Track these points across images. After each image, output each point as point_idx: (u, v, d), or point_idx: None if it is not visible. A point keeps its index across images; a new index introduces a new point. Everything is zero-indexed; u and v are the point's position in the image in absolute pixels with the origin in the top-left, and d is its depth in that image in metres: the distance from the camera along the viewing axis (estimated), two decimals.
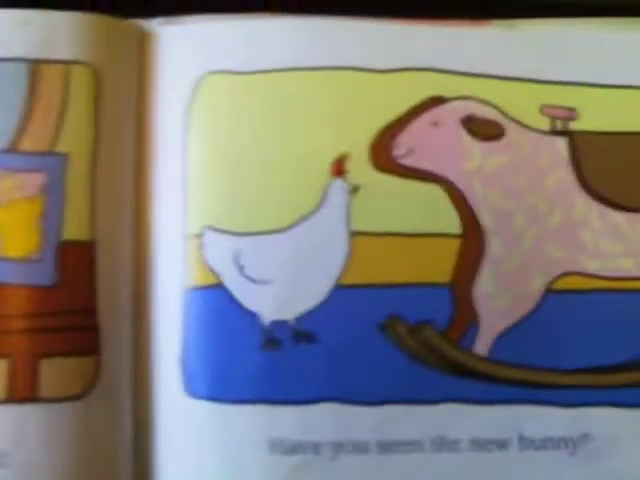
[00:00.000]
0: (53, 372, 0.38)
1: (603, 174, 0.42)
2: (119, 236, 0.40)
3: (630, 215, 0.42)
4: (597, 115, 0.42)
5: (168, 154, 0.41)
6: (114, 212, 0.40)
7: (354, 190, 0.41)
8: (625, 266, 0.42)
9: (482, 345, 0.41)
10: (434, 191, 0.41)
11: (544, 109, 0.42)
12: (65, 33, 0.40)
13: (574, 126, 0.42)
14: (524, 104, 0.42)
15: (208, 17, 0.42)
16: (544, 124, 0.42)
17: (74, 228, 0.39)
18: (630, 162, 0.42)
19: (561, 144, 0.42)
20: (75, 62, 0.40)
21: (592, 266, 0.42)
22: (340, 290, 0.40)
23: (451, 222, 0.41)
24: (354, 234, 0.41)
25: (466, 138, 0.42)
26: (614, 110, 0.42)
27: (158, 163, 0.41)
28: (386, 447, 0.40)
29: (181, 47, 0.42)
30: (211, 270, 0.40)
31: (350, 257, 0.41)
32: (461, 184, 0.41)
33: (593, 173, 0.42)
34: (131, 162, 0.41)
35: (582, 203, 0.42)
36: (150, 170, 0.41)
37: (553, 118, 0.42)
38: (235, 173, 0.41)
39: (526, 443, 0.41)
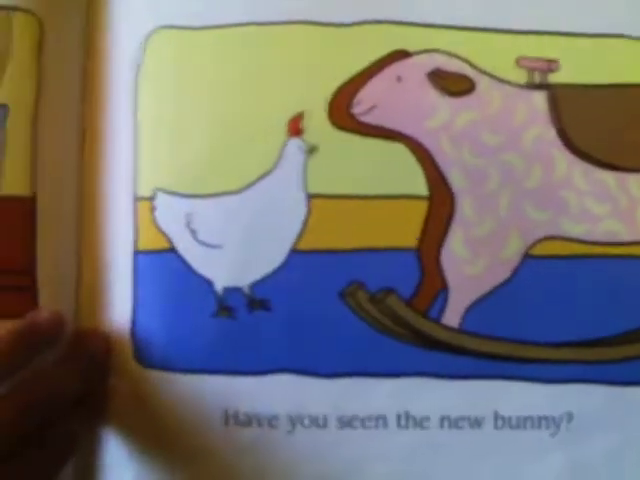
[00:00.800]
0: None
1: (586, 130, 0.39)
2: (62, 194, 0.39)
3: (617, 174, 0.39)
4: (578, 66, 0.39)
5: (116, 111, 0.39)
6: (57, 169, 0.39)
7: (311, 150, 0.38)
8: (612, 229, 0.38)
9: (452, 315, 0.38)
10: (398, 150, 0.39)
11: (520, 61, 0.39)
12: None
13: (553, 79, 0.39)
14: (498, 56, 0.40)
15: None
16: (520, 77, 0.39)
17: (12, 183, 0.37)
18: (616, 117, 0.39)
19: (539, 98, 0.39)
20: (17, 9, 0.38)
21: (576, 230, 0.38)
22: (297, 255, 0.38)
23: (417, 183, 0.39)
24: (312, 196, 0.38)
25: (432, 93, 0.39)
26: (595, 61, 0.39)
27: (106, 120, 0.40)
28: (346, 422, 0.38)
29: (131, 1, 0.40)
30: (163, 234, 0.39)
31: (308, 221, 0.38)
32: (427, 142, 0.39)
33: (575, 129, 0.39)
34: (77, 117, 0.39)
35: (564, 161, 0.39)
36: (98, 128, 0.40)
37: (530, 70, 0.39)
38: (187, 133, 0.39)
39: (502, 422, 0.38)
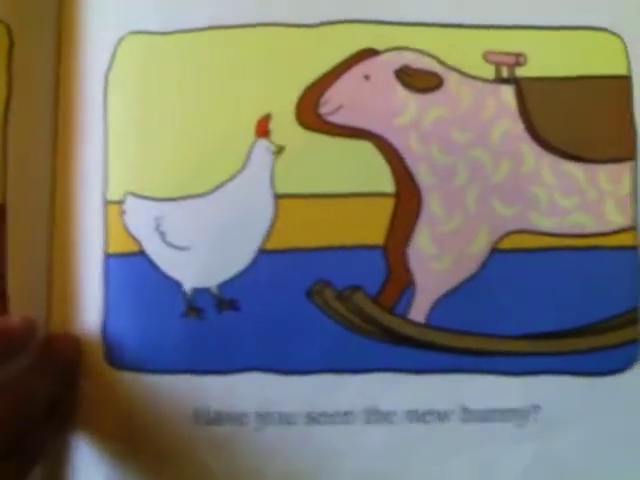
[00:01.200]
0: None
1: (555, 123, 0.39)
2: (34, 200, 0.39)
3: (585, 166, 0.39)
4: (545, 60, 0.39)
5: (87, 116, 0.40)
6: (28, 175, 0.39)
7: (279, 150, 0.39)
8: (580, 221, 0.39)
9: (418, 311, 0.39)
10: (366, 149, 0.39)
11: (487, 56, 0.39)
12: None
13: (521, 72, 0.39)
14: (465, 52, 0.39)
15: None
16: (488, 72, 0.39)
17: None
18: (584, 109, 0.39)
19: (507, 92, 0.39)
20: None
21: (544, 223, 0.39)
22: (265, 255, 0.38)
23: (384, 181, 0.39)
24: (279, 196, 0.39)
25: (400, 91, 0.39)
26: (562, 53, 0.39)
27: (77, 125, 0.40)
28: (315, 418, 0.38)
29: (102, 6, 0.40)
30: (132, 237, 0.39)
31: (275, 221, 0.39)
32: (395, 140, 0.39)
33: (544, 122, 0.39)
34: (49, 124, 0.40)
35: (532, 155, 0.39)
36: (69, 134, 0.40)
37: (498, 65, 0.39)
38: (155, 137, 0.39)
39: (470, 415, 0.38)
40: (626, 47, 0.39)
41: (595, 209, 0.39)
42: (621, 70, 0.39)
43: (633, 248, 0.39)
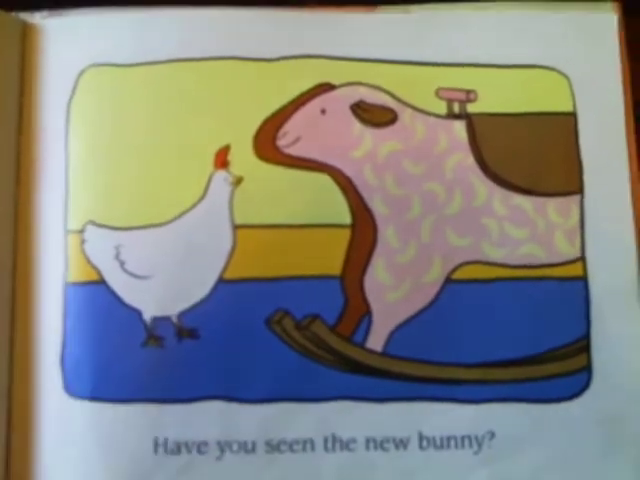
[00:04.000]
0: None
1: (504, 157, 0.41)
2: None
3: (534, 199, 0.40)
4: (495, 96, 0.41)
5: (50, 147, 0.40)
6: None
7: (237, 181, 0.39)
8: (531, 252, 0.40)
9: (375, 340, 0.39)
10: (322, 180, 0.40)
11: (440, 92, 0.41)
12: None
13: (472, 108, 0.41)
14: (419, 88, 0.41)
15: (92, 10, 0.41)
16: (441, 108, 0.41)
17: None
18: (532, 144, 0.41)
19: (459, 127, 0.41)
20: None
21: (496, 254, 0.40)
22: (224, 285, 0.39)
23: (341, 212, 0.40)
24: (238, 227, 0.39)
25: (356, 125, 0.40)
26: (511, 90, 0.41)
27: (40, 156, 0.40)
28: (274, 446, 0.39)
29: (64, 39, 0.41)
30: (92, 266, 0.39)
31: (234, 251, 0.39)
32: (350, 172, 0.40)
33: (494, 156, 0.40)
34: (12, 154, 0.40)
35: (484, 187, 0.40)
36: (32, 163, 0.40)
37: (449, 101, 0.41)
38: (116, 167, 0.40)
39: (427, 442, 0.39)
40: (571, 85, 0.41)
41: (545, 240, 0.40)
42: (567, 107, 0.41)
43: (582, 278, 0.40)
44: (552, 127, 0.41)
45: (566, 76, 0.41)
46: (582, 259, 0.40)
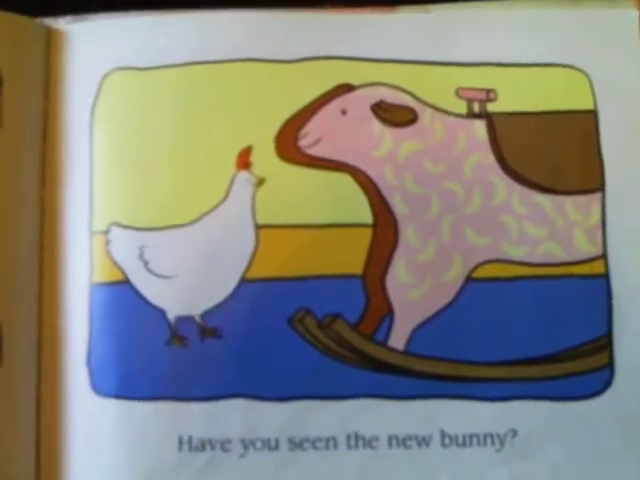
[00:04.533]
0: None
1: (524, 156, 0.41)
2: (23, 232, 0.40)
3: (553, 197, 0.40)
4: (515, 95, 0.41)
5: (75, 151, 0.41)
6: (18, 208, 0.40)
7: (259, 182, 0.40)
8: (551, 251, 0.40)
9: (397, 338, 0.40)
10: (344, 180, 0.40)
11: (460, 92, 0.41)
12: None
13: (492, 108, 0.41)
14: (439, 88, 0.41)
15: (114, 14, 0.42)
16: (461, 107, 0.41)
17: None
18: (551, 142, 0.41)
19: (479, 127, 0.41)
20: None
21: (515, 252, 0.40)
22: (247, 284, 0.39)
23: (362, 211, 0.40)
24: (260, 227, 0.40)
25: (376, 125, 0.41)
26: (531, 89, 0.41)
27: (65, 160, 0.41)
28: (297, 444, 0.39)
29: (87, 44, 0.42)
30: (117, 266, 0.40)
31: (256, 250, 0.40)
32: (372, 172, 0.40)
33: (514, 155, 0.41)
34: (37, 158, 0.41)
35: (503, 186, 0.40)
36: (57, 167, 0.41)
37: (470, 100, 0.41)
38: (140, 169, 0.40)
39: (449, 439, 0.39)
40: (592, 82, 0.41)
41: (565, 239, 0.40)
42: (587, 105, 0.41)
43: (603, 276, 0.40)
44: (572, 125, 0.41)
45: (586, 74, 0.41)
46: (604, 257, 0.40)
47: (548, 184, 0.40)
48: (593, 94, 0.41)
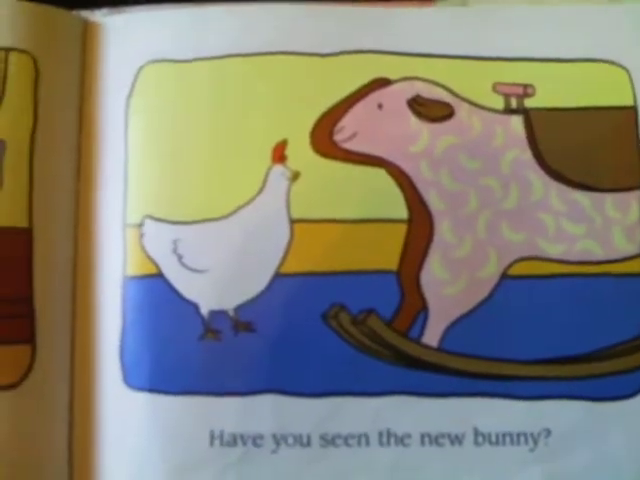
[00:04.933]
0: None
1: (562, 152, 0.40)
2: (58, 224, 0.40)
3: (592, 194, 0.40)
4: (553, 91, 0.41)
5: (110, 143, 0.41)
6: (53, 200, 0.40)
7: (295, 176, 0.40)
8: (588, 249, 0.40)
9: (432, 335, 0.39)
10: (379, 175, 0.40)
11: (497, 87, 0.40)
12: (5, 21, 0.40)
13: (529, 103, 0.40)
14: (476, 83, 0.41)
15: (151, 7, 0.42)
16: (498, 102, 0.41)
17: (10, 215, 0.39)
18: (590, 139, 0.40)
19: (516, 122, 0.40)
20: (14, 49, 0.40)
21: (552, 250, 0.40)
22: (281, 279, 0.39)
23: (397, 207, 0.40)
24: (295, 221, 0.40)
25: (413, 120, 0.40)
26: (569, 85, 0.41)
27: (100, 152, 0.41)
28: (329, 440, 0.39)
29: (123, 37, 0.42)
30: (150, 259, 0.40)
31: (291, 245, 0.40)
32: (407, 167, 0.40)
33: (551, 151, 0.40)
34: (72, 151, 0.41)
35: (540, 183, 0.40)
36: (92, 159, 0.41)
37: (507, 96, 0.40)
38: (174, 162, 0.40)
39: (482, 438, 0.39)
40: (631, 78, 0.40)
41: (603, 237, 0.40)
42: (627, 101, 0.41)
43: None
44: (611, 121, 0.41)
45: (626, 69, 0.41)
46: None
47: (586, 181, 0.40)
48: (633, 90, 0.41)
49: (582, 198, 0.40)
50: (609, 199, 0.40)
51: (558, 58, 0.41)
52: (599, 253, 0.40)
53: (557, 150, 0.40)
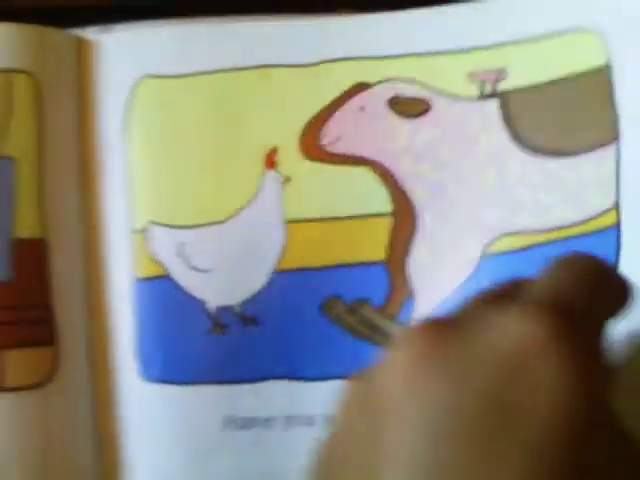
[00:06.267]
0: (16, 362, 0.42)
1: (539, 126, 0.41)
2: (69, 233, 0.43)
3: (567, 159, 0.41)
4: (526, 70, 0.42)
5: (110, 155, 0.44)
6: (62, 211, 0.43)
7: (286, 180, 0.43)
8: (563, 215, 0.41)
9: (420, 318, 0.43)
10: (364, 174, 0.43)
11: (471, 76, 0.43)
12: (6, 43, 0.43)
13: (505, 86, 0.42)
14: (449, 75, 0.43)
15: (139, 24, 0.44)
16: (473, 91, 0.43)
17: (25, 227, 0.42)
18: (565, 107, 0.41)
19: (492, 106, 0.42)
20: (17, 71, 0.43)
21: (531, 222, 0.41)
22: (279, 275, 0.43)
23: (382, 201, 0.43)
24: (289, 222, 0.43)
25: (393, 118, 0.43)
26: (542, 61, 0.42)
27: (102, 164, 0.44)
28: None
29: (116, 53, 0.44)
30: (157, 262, 0.43)
31: (286, 243, 0.43)
32: (390, 164, 0.43)
33: (527, 128, 0.42)
34: (76, 164, 0.44)
35: (517, 160, 0.42)
36: (94, 171, 0.44)
37: (481, 83, 0.43)
38: (173, 171, 0.43)
39: None
40: (604, 38, 0.41)
41: (578, 200, 0.41)
42: (600, 61, 0.41)
43: (616, 225, 0.41)
44: (585, 85, 0.41)
45: (597, 31, 0.41)
46: (616, 207, 0.41)
47: (563, 148, 0.41)
48: (606, 49, 0.41)
49: (558, 166, 0.41)
50: (585, 160, 0.41)
51: (528, 38, 0.42)
52: (575, 217, 0.41)
53: (534, 125, 0.41)
